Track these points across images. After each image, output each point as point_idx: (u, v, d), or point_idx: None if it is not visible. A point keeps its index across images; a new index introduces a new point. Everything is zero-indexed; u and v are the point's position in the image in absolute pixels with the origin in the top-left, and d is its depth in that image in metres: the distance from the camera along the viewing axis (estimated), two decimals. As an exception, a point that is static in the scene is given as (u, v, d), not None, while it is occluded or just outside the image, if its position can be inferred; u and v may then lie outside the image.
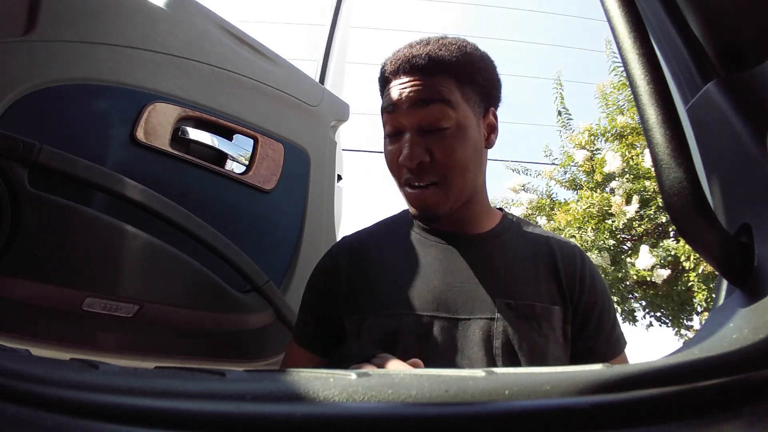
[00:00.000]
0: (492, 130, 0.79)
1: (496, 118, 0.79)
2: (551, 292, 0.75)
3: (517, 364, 0.68)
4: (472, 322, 0.70)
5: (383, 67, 0.77)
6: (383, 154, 0.78)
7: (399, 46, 0.78)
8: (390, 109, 0.73)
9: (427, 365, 0.59)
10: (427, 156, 0.71)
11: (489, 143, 0.78)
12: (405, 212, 0.86)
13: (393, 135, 0.74)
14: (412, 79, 0.72)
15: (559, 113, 5.56)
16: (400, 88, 0.72)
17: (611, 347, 0.78)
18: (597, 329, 0.77)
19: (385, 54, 0.80)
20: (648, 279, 4.69)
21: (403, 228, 0.82)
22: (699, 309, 5.00)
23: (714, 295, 0.39)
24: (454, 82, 0.72)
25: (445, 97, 0.71)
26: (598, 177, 5.11)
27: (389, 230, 0.83)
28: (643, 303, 5.44)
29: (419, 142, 0.71)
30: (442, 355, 0.68)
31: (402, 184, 0.75)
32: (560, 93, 5.55)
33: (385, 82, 0.76)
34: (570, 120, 5.55)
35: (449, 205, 0.74)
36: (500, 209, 0.86)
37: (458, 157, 0.71)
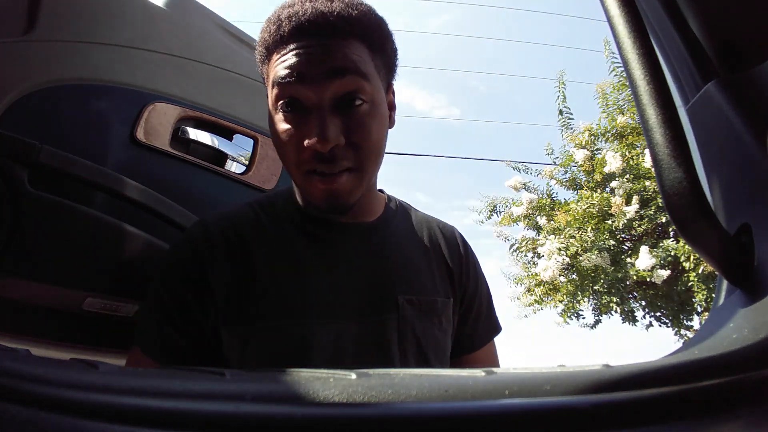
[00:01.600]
0: (392, 107, 0.68)
1: (394, 95, 0.69)
2: (443, 283, 0.73)
3: (425, 363, 0.66)
4: (380, 323, 0.64)
5: (276, 24, 0.60)
6: (275, 137, 0.62)
7: (286, 2, 0.62)
8: (294, 78, 0.57)
9: None
10: (342, 138, 0.58)
11: (392, 123, 0.67)
12: (282, 194, 0.73)
13: (292, 111, 0.59)
14: (321, 42, 0.57)
15: (560, 112, 5.56)
16: (306, 51, 0.57)
17: (489, 331, 0.79)
18: (477, 315, 0.77)
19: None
20: (648, 279, 4.69)
21: (286, 215, 0.69)
22: (699, 309, 5.00)
23: (714, 295, 0.39)
24: (366, 50, 0.60)
25: (360, 67, 0.58)
26: (598, 177, 5.11)
27: (270, 217, 0.69)
28: (643, 303, 5.44)
29: (332, 121, 0.57)
30: (359, 363, 0.59)
31: (304, 171, 0.61)
32: (562, 92, 5.55)
33: (278, 43, 0.60)
34: (571, 119, 5.55)
35: (361, 192, 0.63)
36: (380, 190, 0.77)
37: (374, 139, 0.61)
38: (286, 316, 0.61)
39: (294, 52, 0.58)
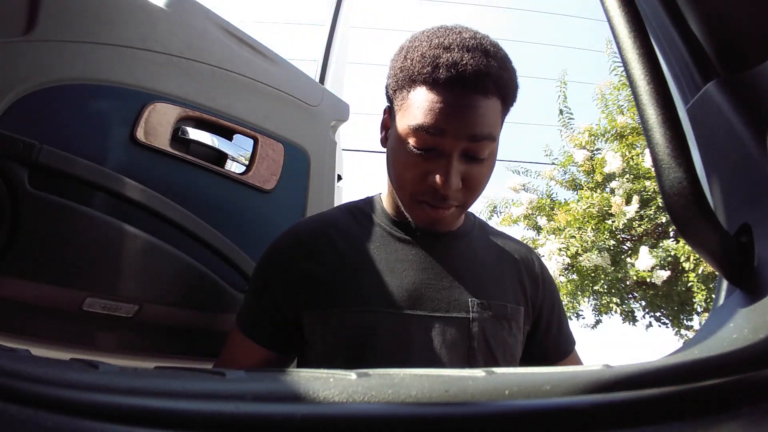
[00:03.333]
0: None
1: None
2: (516, 292, 0.76)
3: (494, 364, 0.69)
4: (448, 321, 0.68)
5: (432, 65, 0.62)
6: (396, 161, 0.68)
7: (438, 34, 0.65)
8: (436, 132, 0.62)
9: (403, 365, 0.56)
10: (461, 183, 0.65)
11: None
12: (370, 200, 0.81)
13: (425, 151, 0.65)
14: (468, 103, 0.62)
15: (561, 112, 5.54)
16: (453, 110, 0.62)
17: (568, 343, 0.84)
18: (558, 328, 0.82)
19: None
20: (648, 279, 4.69)
21: (370, 218, 0.77)
22: (699, 309, 5.00)
23: (714, 295, 0.39)
24: (501, 106, 0.66)
25: (493, 132, 0.64)
26: (598, 177, 5.11)
27: (355, 219, 0.77)
28: (643, 303, 5.44)
29: (457, 169, 0.64)
30: (419, 354, 0.66)
31: (416, 200, 0.68)
32: (563, 92, 5.54)
33: (427, 83, 0.63)
34: (571, 120, 5.54)
35: (459, 220, 0.74)
36: None
37: (484, 185, 0.69)
38: (354, 303, 0.68)
39: (442, 104, 0.62)
